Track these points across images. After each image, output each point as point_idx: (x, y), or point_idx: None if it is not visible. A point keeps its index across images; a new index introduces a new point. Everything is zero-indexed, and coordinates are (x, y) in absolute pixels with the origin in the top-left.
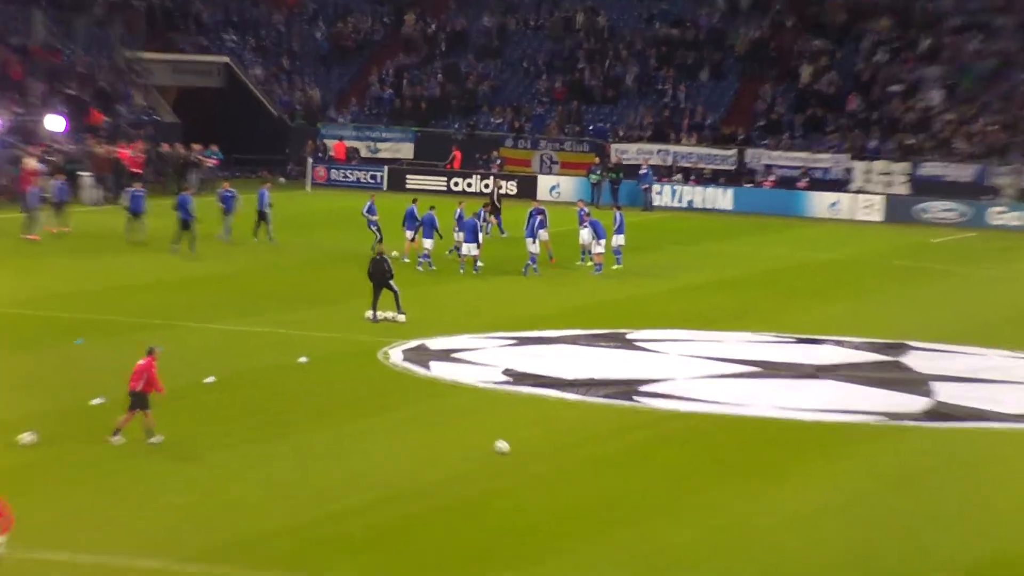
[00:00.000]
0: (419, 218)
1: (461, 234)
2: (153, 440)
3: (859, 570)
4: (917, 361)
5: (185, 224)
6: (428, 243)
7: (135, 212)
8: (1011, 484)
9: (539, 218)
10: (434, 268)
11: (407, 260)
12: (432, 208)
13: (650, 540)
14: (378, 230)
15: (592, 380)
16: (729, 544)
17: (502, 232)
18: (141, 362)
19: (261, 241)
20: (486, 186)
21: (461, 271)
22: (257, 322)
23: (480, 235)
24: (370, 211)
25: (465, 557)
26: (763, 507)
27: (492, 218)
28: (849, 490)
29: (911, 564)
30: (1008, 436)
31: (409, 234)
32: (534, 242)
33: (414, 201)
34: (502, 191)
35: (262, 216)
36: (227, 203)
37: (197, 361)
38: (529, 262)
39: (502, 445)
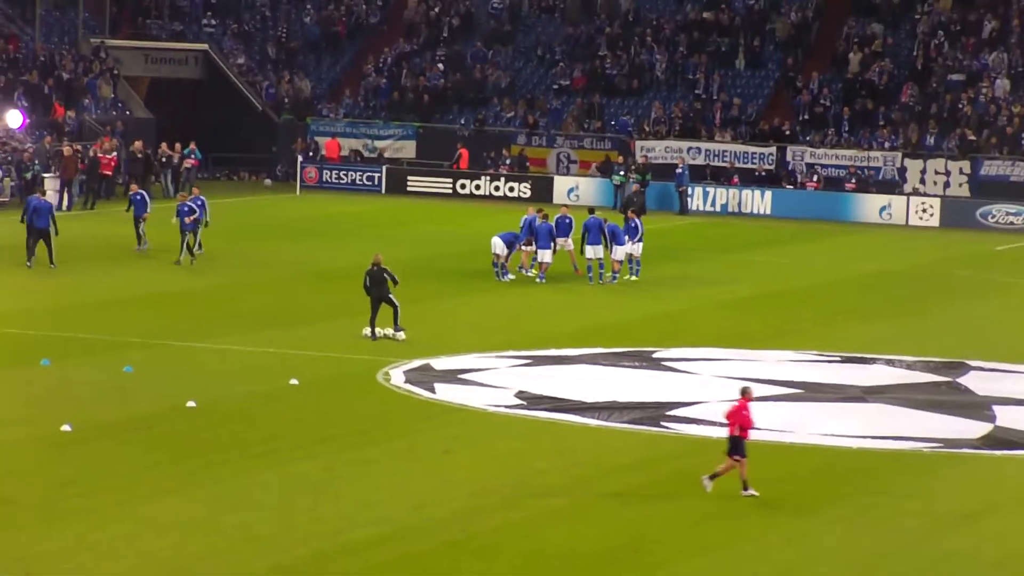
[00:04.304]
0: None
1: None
2: (748, 493)
3: None
4: (978, 382)
5: (42, 234)
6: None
7: (42, 228)
8: None
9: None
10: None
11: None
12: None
13: None
14: (194, 233)
15: (615, 404)
16: None
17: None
18: (736, 403)
19: (184, 264)
20: (510, 189)
21: (539, 280)
22: (243, 341)
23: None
24: (186, 213)
25: None
26: (811, 553)
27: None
28: (906, 531)
29: None
30: None
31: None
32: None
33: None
34: (513, 194)
35: (188, 231)
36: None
37: (177, 383)
38: (612, 273)
39: None
